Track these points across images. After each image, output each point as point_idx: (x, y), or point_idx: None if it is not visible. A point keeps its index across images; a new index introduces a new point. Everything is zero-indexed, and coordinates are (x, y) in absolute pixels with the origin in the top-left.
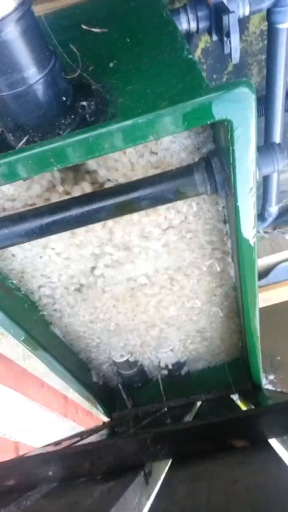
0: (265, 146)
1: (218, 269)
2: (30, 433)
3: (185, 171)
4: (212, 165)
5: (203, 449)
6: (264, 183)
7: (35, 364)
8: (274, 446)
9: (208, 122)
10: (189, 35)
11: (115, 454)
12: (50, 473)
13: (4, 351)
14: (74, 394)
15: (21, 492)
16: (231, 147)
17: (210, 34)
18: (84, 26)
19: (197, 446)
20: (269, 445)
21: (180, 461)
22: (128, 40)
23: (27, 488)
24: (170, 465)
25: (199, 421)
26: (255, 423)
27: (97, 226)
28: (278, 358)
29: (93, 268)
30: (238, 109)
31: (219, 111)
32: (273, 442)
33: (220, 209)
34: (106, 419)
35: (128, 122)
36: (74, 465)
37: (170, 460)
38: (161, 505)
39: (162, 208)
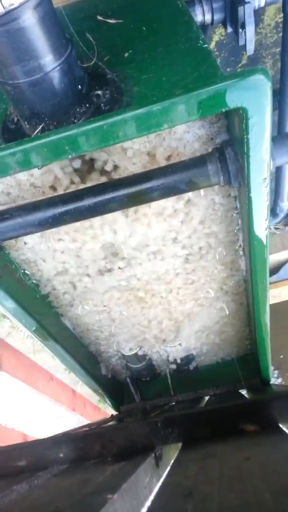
0: (280, 136)
1: (229, 261)
2: (38, 427)
3: (198, 162)
4: (226, 155)
5: (214, 433)
6: (276, 177)
7: (45, 358)
8: (286, 430)
9: (223, 110)
10: (203, 28)
11: (125, 437)
12: (61, 455)
13: (15, 344)
14: (82, 389)
15: (32, 472)
16: (245, 136)
17: (224, 26)
18: (99, 17)
19: (208, 430)
20: (281, 429)
21: (190, 444)
22: (143, 30)
23: (37, 469)
24: (180, 448)
25: (210, 406)
26: (266, 408)
27: (109, 216)
28: (281, 356)
29: (103, 259)
30: (254, 97)
31: (234, 99)
32: (284, 427)
33: (232, 201)
34: (114, 412)
35: (143, 110)
36: (84, 447)
37: (180, 444)
38: (173, 480)
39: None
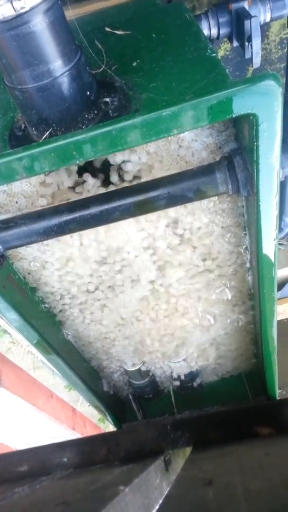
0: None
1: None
2: None
3: (206, 170)
4: (234, 163)
5: (226, 436)
6: (281, 191)
7: (45, 375)
8: None
9: (233, 116)
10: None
11: (133, 440)
12: (65, 459)
13: (15, 359)
14: (82, 407)
15: (34, 477)
16: (255, 143)
17: (230, 40)
18: (107, 29)
19: (220, 433)
20: None
21: (202, 447)
22: (151, 41)
23: (40, 474)
24: (191, 451)
25: (222, 407)
26: (281, 411)
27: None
28: None
29: (106, 273)
30: (264, 103)
31: (245, 105)
32: None
33: (240, 211)
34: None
35: (153, 115)
36: (90, 451)
37: (191, 448)
38: (188, 474)
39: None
